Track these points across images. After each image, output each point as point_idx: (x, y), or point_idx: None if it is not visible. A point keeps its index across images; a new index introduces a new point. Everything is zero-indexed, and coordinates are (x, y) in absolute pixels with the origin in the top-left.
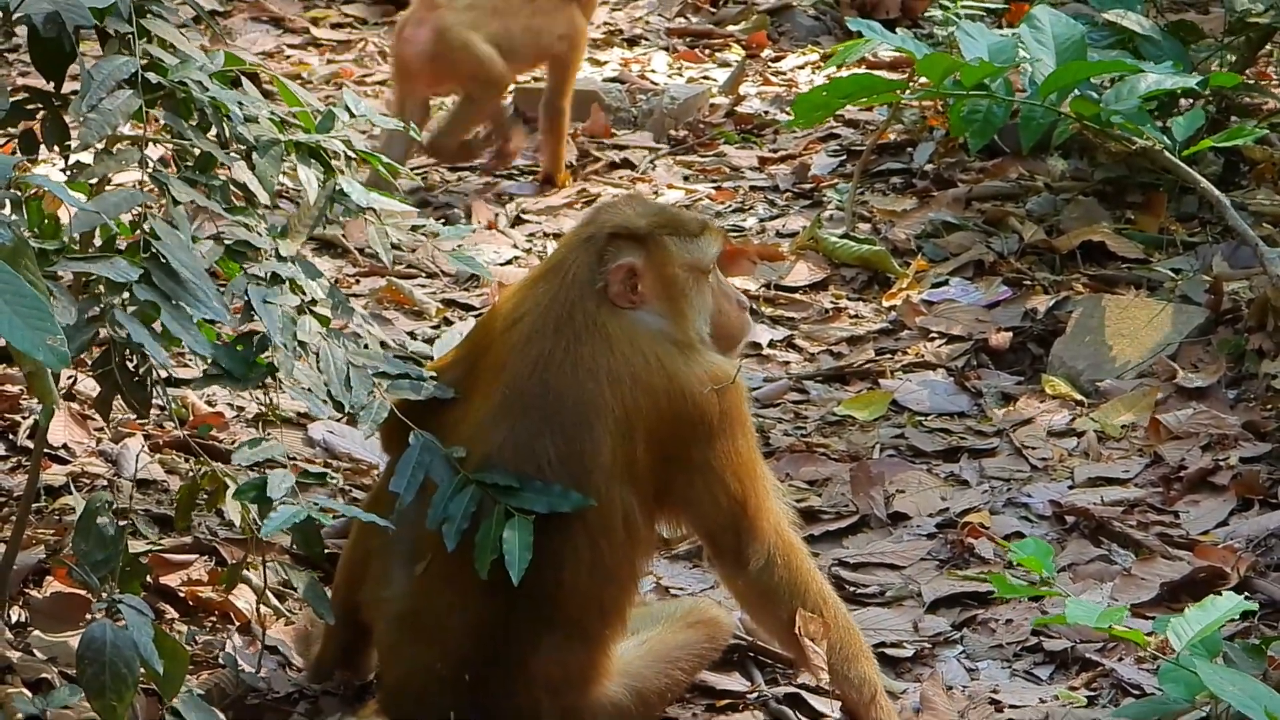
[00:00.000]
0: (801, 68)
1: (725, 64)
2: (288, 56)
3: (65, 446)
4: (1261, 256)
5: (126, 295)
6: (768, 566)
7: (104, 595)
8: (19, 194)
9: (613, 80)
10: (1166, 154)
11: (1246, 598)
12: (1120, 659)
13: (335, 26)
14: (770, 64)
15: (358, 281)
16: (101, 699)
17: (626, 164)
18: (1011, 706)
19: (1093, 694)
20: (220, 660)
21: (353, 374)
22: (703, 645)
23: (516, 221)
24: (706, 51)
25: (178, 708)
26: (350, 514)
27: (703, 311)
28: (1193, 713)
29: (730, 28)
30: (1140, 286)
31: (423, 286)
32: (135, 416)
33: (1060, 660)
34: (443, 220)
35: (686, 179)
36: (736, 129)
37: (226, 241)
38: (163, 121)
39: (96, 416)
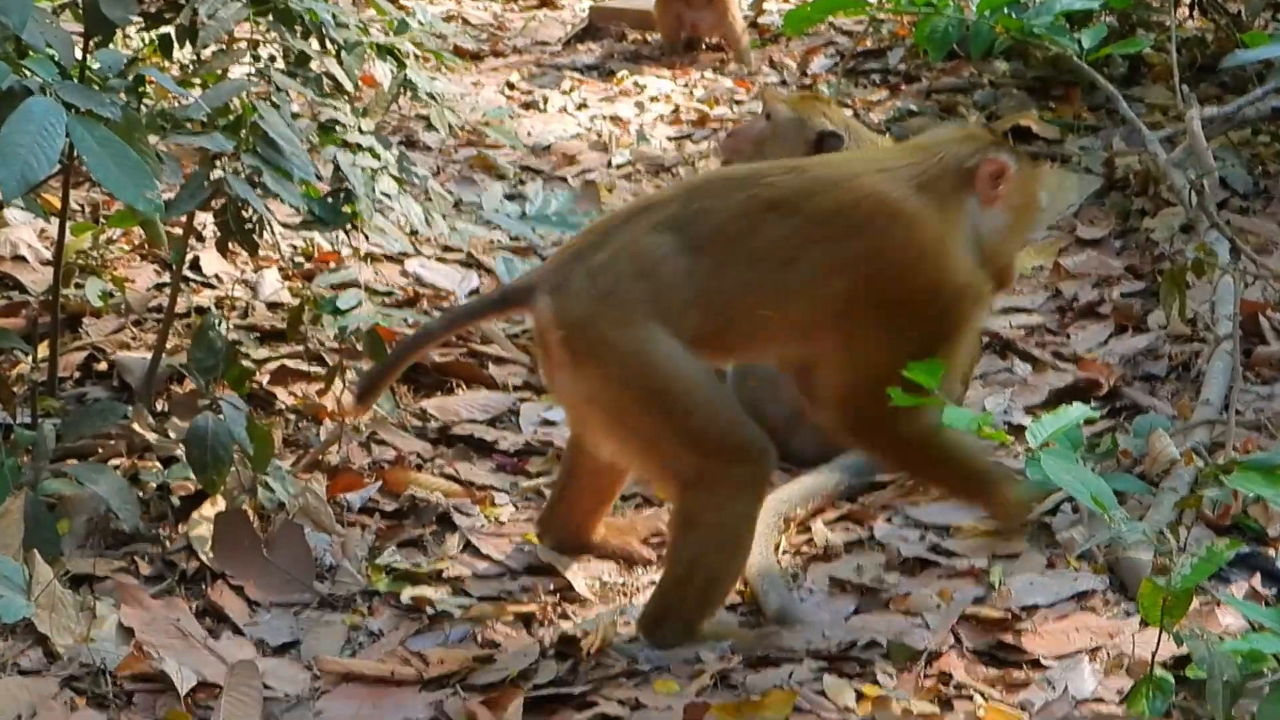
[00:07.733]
0: None
1: None
2: None
3: (216, 275)
4: (1145, 138)
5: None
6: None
7: (208, 393)
8: (125, 81)
9: None
10: (1074, 58)
11: (1112, 403)
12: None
13: None
14: None
15: (455, 150)
16: (204, 474)
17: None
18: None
19: None
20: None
21: (430, 211)
22: None
23: (581, 106)
24: None
25: (266, 479)
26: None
27: (1022, 239)
28: (1059, 492)
29: None
30: (1056, 160)
31: (505, 155)
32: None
33: None
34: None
35: (715, 70)
36: (759, 37)
37: (320, 119)
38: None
39: (240, 252)
